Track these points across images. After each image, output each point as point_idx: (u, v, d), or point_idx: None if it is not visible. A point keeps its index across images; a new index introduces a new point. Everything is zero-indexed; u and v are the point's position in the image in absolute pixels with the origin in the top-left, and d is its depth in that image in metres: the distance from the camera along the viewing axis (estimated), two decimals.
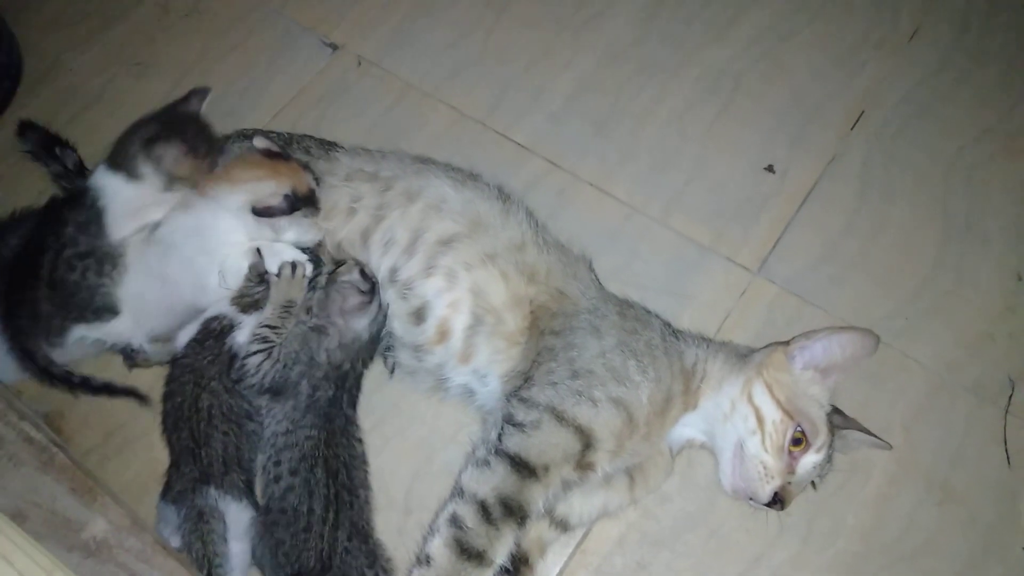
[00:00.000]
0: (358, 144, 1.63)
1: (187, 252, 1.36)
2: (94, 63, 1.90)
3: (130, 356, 1.45)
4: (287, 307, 1.36)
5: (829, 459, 1.29)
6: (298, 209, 1.34)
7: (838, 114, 1.79)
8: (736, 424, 1.29)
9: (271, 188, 1.33)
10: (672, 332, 1.37)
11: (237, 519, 1.27)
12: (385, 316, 1.38)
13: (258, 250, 1.37)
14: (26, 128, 1.61)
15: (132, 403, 1.46)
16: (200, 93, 1.45)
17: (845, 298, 1.58)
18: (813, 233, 1.65)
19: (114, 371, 1.46)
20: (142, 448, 1.42)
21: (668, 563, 1.37)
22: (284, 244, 1.39)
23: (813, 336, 1.32)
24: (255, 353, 1.31)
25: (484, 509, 1.13)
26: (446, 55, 1.88)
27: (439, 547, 1.12)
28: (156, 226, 1.38)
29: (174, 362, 1.37)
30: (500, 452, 1.17)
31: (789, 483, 1.26)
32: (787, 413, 1.26)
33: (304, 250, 1.41)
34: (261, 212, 1.33)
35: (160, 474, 1.32)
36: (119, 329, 1.40)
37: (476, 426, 1.44)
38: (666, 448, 1.33)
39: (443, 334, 1.34)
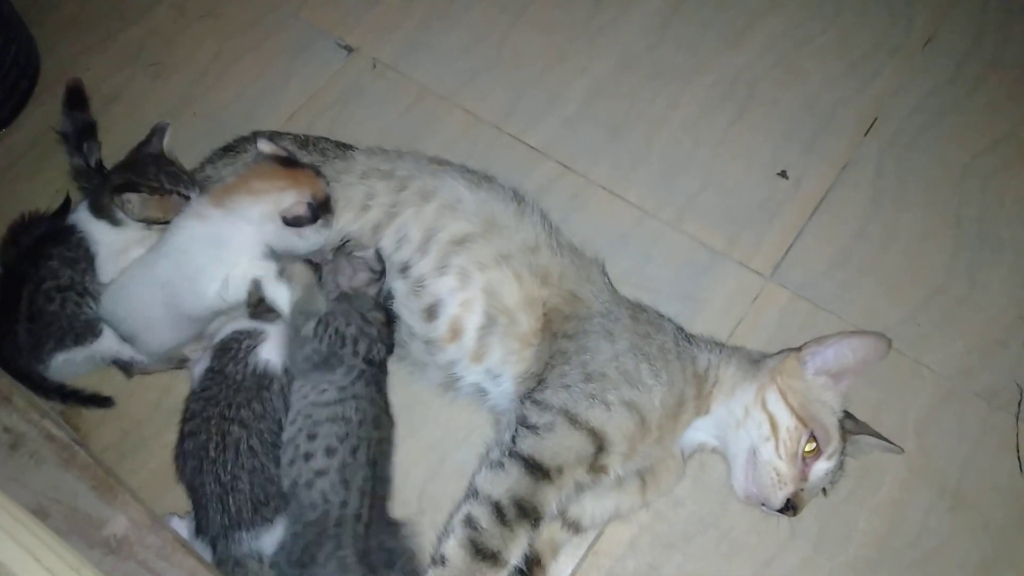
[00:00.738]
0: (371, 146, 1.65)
1: (200, 261, 1.34)
2: (111, 64, 1.91)
3: (125, 367, 1.46)
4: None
5: (841, 465, 1.30)
6: (320, 217, 1.35)
7: (851, 121, 1.79)
8: (749, 430, 1.29)
9: (294, 197, 1.33)
10: (685, 336, 1.38)
11: (274, 539, 1.26)
12: (388, 299, 1.37)
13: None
14: (74, 101, 1.60)
15: (148, 402, 1.48)
16: (159, 130, 1.47)
17: (857, 304, 1.58)
18: (826, 239, 1.66)
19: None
20: (158, 447, 1.43)
21: (680, 566, 1.38)
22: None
23: (825, 342, 1.33)
24: (302, 316, 1.30)
25: (498, 510, 1.14)
26: (461, 59, 1.89)
27: (454, 548, 1.13)
28: (163, 236, 1.40)
29: (193, 396, 1.33)
30: (514, 454, 1.18)
31: (802, 489, 1.27)
32: (801, 420, 1.27)
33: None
34: (292, 222, 1.33)
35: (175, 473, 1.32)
36: (103, 347, 1.42)
37: (488, 428, 1.45)
38: (678, 451, 1.34)
39: (455, 332, 1.35)
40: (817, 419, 1.28)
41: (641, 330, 1.32)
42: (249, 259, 1.35)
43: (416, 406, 1.50)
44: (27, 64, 1.83)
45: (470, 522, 1.14)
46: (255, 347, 1.32)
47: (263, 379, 1.30)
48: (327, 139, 1.59)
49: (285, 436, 1.28)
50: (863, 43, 1.89)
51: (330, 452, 1.22)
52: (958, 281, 1.61)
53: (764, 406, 1.29)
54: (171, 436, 1.36)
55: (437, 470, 1.45)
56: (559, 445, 1.19)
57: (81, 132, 1.60)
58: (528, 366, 1.31)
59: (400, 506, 1.41)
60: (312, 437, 1.23)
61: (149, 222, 1.41)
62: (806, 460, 1.26)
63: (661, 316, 1.40)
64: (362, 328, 1.31)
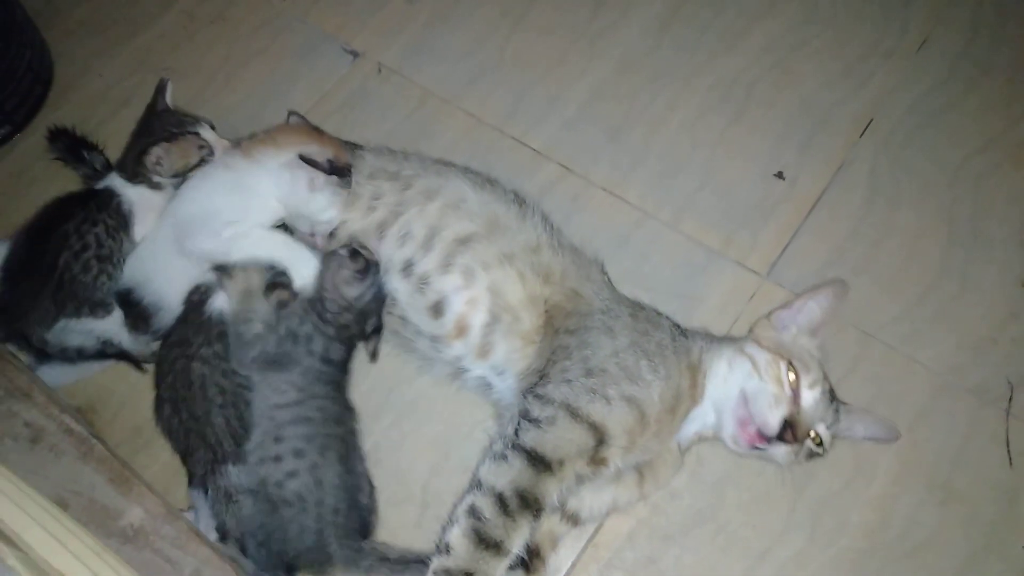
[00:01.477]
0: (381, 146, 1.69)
1: (217, 204, 1.41)
2: (122, 68, 1.95)
3: (136, 362, 1.51)
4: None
5: (833, 407, 1.34)
6: (335, 175, 1.40)
7: (847, 122, 1.83)
8: (735, 376, 1.35)
9: (316, 150, 1.40)
10: (680, 332, 1.42)
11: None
12: (380, 294, 1.40)
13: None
14: (55, 135, 1.67)
15: None
16: (161, 88, 1.55)
17: (851, 302, 1.60)
18: (821, 239, 1.69)
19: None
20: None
21: (677, 558, 1.42)
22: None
23: (792, 305, 1.43)
24: (244, 322, 1.34)
25: (501, 501, 1.18)
26: (464, 62, 1.93)
27: (458, 536, 1.17)
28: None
29: (161, 346, 1.41)
30: (517, 447, 1.22)
31: (796, 413, 1.30)
32: (776, 354, 1.34)
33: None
34: (306, 160, 1.38)
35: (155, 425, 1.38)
36: (108, 326, 1.46)
37: (492, 422, 1.49)
38: (675, 445, 1.38)
39: (461, 329, 1.39)
40: (793, 353, 1.35)
41: (640, 327, 1.36)
42: (268, 215, 1.43)
43: (420, 401, 1.54)
44: (41, 69, 1.88)
45: (474, 512, 1.18)
46: (208, 298, 1.39)
47: (220, 324, 1.36)
48: (337, 139, 1.63)
49: (252, 440, 1.31)
50: (859, 46, 1.92)
51: (298, 454, 1.26)
52: (950, 279, 1.65)
53: (742, 351, 1.37)
54: None
55: (441, 464, 1.49)
56: (561, 438, 1.22)
57: (73, 148, 1.66)
58: (531, 362, 1.35)
59: (405, 500, 1.46)
60: (279, 440, 1.27)
61: (182, 171, 1.47)
62: (792, 387, 1.32)
63: (659, 314, 1.44)
64: (318, 327, 1.35)
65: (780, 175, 1.76)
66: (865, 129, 1.82)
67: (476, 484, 1.21)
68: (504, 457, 1.22)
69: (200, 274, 1.42)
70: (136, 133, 1.53)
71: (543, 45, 1.95)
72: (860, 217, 1.72)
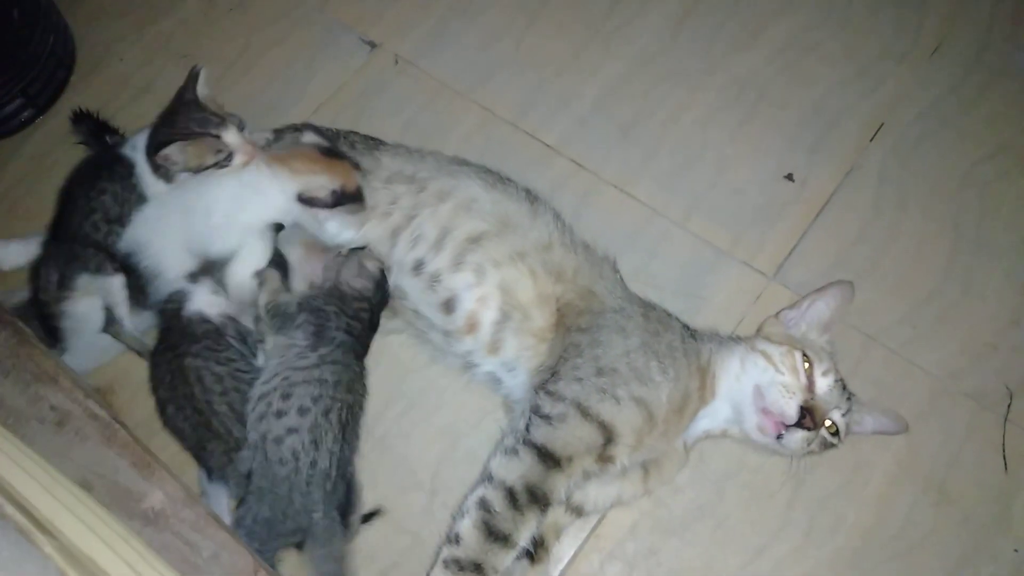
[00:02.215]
0: (396, 141, 1.71)
1: (227, 194, 1.46)
2: (143, 54, 1.98)
3: (114, 328, 1.51)
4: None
5: (847, 395, 1.38)
6: (342, 204, 1.44)
7: (857, 126, 1.85)
8: (748, 373, 1.39)
9: (322, 182, 1.43)
10: (690, 333, 1.45)
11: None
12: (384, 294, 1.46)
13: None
14: (79, 118, 1.71)
15: None
16: (194, 76, 1.54)
17: (856, 305, 1.61)
18: (829, 241, 1.72)
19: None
20: None
21: (677, 551, 1.46)
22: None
23: (799, 305, 1.48)
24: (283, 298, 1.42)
25: (511, 495, 1.22)
26: (480, 57, 1.95)
27: (468, 528, 1.21)
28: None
29: (152, 356, 1.44)
30: (528, 442, 1.26)
31: (812, 399, 1.34)
32: (789, 345, 1.38)
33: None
34: (305, 201, 1.44)
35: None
36: (113, 286, 1.47)
37: (501, 415, 1.53)
38: (681, 443, 1.41)
39: (472, 326, 1.42)
40: (803, 343, 1.40)
41: (651, 328, 1.39)
42: (261, 220, 1.47)
43: (430, 391, 1.58)
44: (64, 53, 1.90)
45: (484, 505, 1.22)
46: (183, 303, 1.42)
47: (204, 323, 1.40)
48: (356, 133, 1.66)
49: (256, 392, 1.33)
50: (871, 50, 1.93)
51: (303, 411, 1.29)
52: (953, 285, 1.67)
53: (755, 348, 1.41)
54: None
55: (449, 454, 1.53)
56: (570, 435, 1.26)
57: (95, 131, 1.69)
58: (542, 360, 1.38)
59: (413, 488, 1.50)
60: (286, 396, 1.30)
61: (197, 170, 1.48)
62: (807, 375, 1.36)
63: (669, 315, 1.47)
64: (341, 308, 1.41)
65: (790, 177, 1.79)
66: (876, 133, 1.84)
67: (487, 477, 1.25)
68: (515, 452, 1.26)
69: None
70: (161, 117, 1.54)
71: (558, 41, 1.97)
72: (868, 221, 1.74)
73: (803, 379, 1.35)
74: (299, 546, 1.30)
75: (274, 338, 1.41)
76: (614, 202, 1.77)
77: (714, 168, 1.81)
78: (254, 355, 1.43)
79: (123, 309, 1.49)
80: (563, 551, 1.45)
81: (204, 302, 1.42)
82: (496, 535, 1.20)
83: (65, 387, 1.21)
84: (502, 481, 1.24)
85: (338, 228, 1.50)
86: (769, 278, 1.68)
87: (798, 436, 1.33)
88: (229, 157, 1.47)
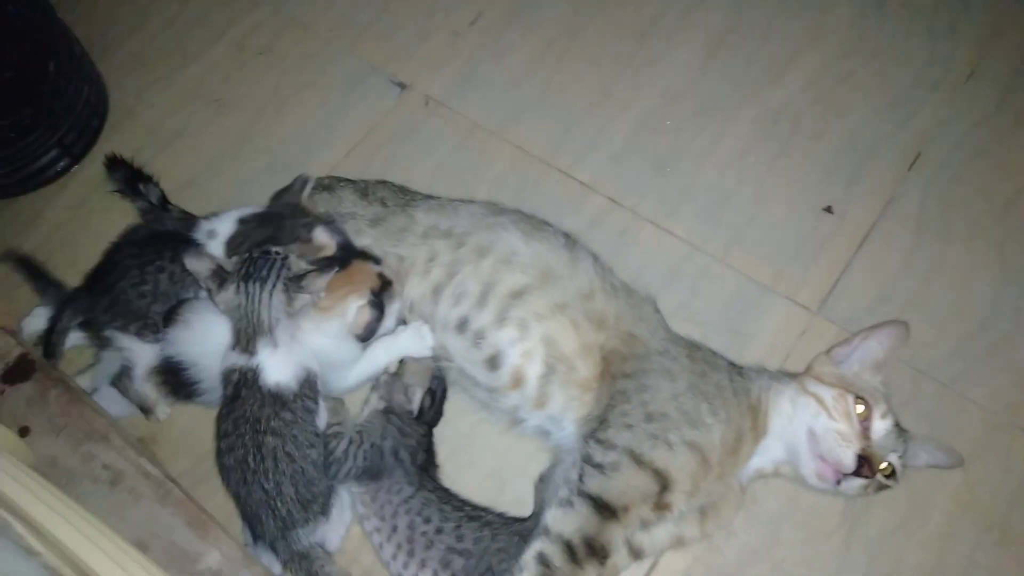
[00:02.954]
0: (429, 183, 1.71)
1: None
2: (174, 100, 1.99)
3: (124, 386, 1.49)
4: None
5: (902, 437, 1.35)
6: (383, 305, 1.41)
7: (895, 156, 1.83)
8: (800, 416, 1.36)
9: (355, 302, 1.39)
10: (737, 371, 1.43)
11: (335, 526, 1.37)
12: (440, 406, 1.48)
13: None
14: (113, 164, 1.72)
15: None
16: (302, 181, 1.53)
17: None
18: (872, 274, 1.70)
19: None
20: None
21: None
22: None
23: (850, 343, 1.43)
24: (334, 438, 1.39)
25: (569, 549, 1.20)
26: (510, 95, 1.95)
27: None
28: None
29: (222, 416, 1.37)
30: (583, 493, 1.24)
31: (869, 446, 1.31)
32: (842, 388, 1.35)
33: None
34: (366, 336, 1.41)
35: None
36: (142, 355, 1.46)
37: (545, 458, 1.51)
38: (737, 484, 1.39)
39: (517, 381, 1.40)
40: (858, 387, 1.36)
41: (698, 369, 1.37)
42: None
43: (475, 436, 1.56)
44: (97, 102, 1.92)
45: (543, 560, 1.20)
46: (256, 377, 1.33)
47: (281, 396, 1.34)
48: (386, 184, 1.65)
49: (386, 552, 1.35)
50: (905, 78, 1.93)
51: (440, 531, 1.33)
52: (1003, 316, 1.65)
53: (806, 391, 1.38)
54: None
55: (497, 500, 1.50)
56: (625, 484, 1.24)
57: (130, 180, 1.69)
58: (589, 409, 1.36)
59: None
60: (428, 520, 1.34)
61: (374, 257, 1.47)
62: (861, 421, 1.33)
63: (715, 353, 1.45)
64: (399, 440, 1.40)
65: (829, 209, 1.77)
66: (914, 162, 1.82)
67: (544, 531, 1.23)
68: (570, 503, 1.24)
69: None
70: (261, 217, 1.50)
71: (588, 77, 1.97)
72: (910, 252, 1.72)
73: (857, 425, 1.32)
74: None
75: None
76: (652, 239, 1.76)
77: (752, 202, 1.79)
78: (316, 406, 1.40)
79: (140, 372, 1.47)
80: None
81: (279, 372, 1.35)
82: None
83: (117, 445, 1.21)
84: (559, 534, 1.21)
85: (395, 321, 1.49)
86: (813, 313, 1.66)
87: (856, 484, 1.31)
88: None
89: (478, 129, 1.91)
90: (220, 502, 1.47)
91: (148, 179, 1.72)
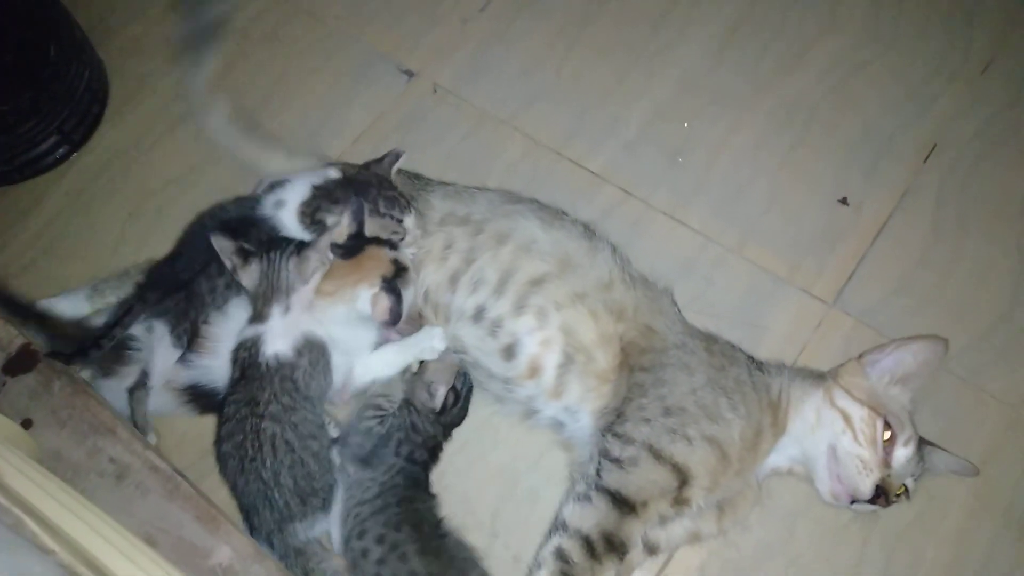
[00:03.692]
0: (439, 172, 1.68)
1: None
2: (177, 86, 1.94)
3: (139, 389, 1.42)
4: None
5: (920, 458, 1.33)
6: (399, 290, 1.36)
7: (911, 147, 1.81)
8: (824, 430, 1.34)
9: (366, 291, 1.36)
10: (757, 365, 1.41)
11: (336, 523, 1.33)
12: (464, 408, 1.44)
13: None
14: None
15: None
16: (394, 155, 1.52)
17: (920, 331, 1.56)
18: (888, 266, 1.68)
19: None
20: None
21: None
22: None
23: (884, 349, 1.39)
24: (370, 419, 1.37)
25: (588, 544, 1.17)
26: (520, 83, 1.91)
27: None
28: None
29: (225, 401, 1.35)
30: (600, 488, 1.22)
31: (888, 476, 1.30)
32: (872, 408, 1.32)
33: None
34: (394, 320, 1.35)
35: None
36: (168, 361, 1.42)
37: (558, 451, 1.48)
38: (755, 481, 1.37)
39: (534, 370, 1.38)
40: (887, 408, 1.33)
41: (716, 362, 1.35)
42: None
43: (486, 429, 1.53)
44: (98, 88, 1.87)
45: (561, 555, 1.17)
46: (258, 349, 1.32)
47: (282, 370, 1.31)
48: (400, 171, 1.62)
49: (335, 539, 1.33)
50: (921, 68, 1.90)
51: (380, 540, 1.27)
52: (1021, 309, 1.63)
53: (833, 404, 1.34)
54: None
55: (509, 493, 1.49)
56: (644, 479, 1.22)
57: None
58: (607, 402, 1.34)
59: (474, 528, 1.45)
60: (362, 535, 1.28)
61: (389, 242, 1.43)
62: (885, 447, 1.30)
63: (733, 347, 1.43)
64: (408, 435, 1.38)
65: (844, 201, 1.75)
66: (929, 154, 1.80)
67: (561, 526, 1.21)
68: (588, 498, 1.21)
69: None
70: (347, 180, 1.47)
71: (600, 66, 1.94)
72: (927, 245, 1.70)
73: (880, 452, 1.29)
74: None
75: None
76: (665, 230, 1.73)
77: (767, 193, 1.77)
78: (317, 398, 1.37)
79: (157, 381, 1.42)
80: None
81: (279, 340, 1.33)
82: None
83: (124, 438, 1.18)
84: (577, 530, 1.19)
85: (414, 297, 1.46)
86: (829, 305, 1.64)
87: (868, 508, 1.31)
88: (401, 240, 1.43)
89: (488, 118, 1.87)
90: (226, 496, 1.44)
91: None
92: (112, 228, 1.75)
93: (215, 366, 1.41)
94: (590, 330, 1.36)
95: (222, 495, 1.44)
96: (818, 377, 1.41)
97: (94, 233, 1.75)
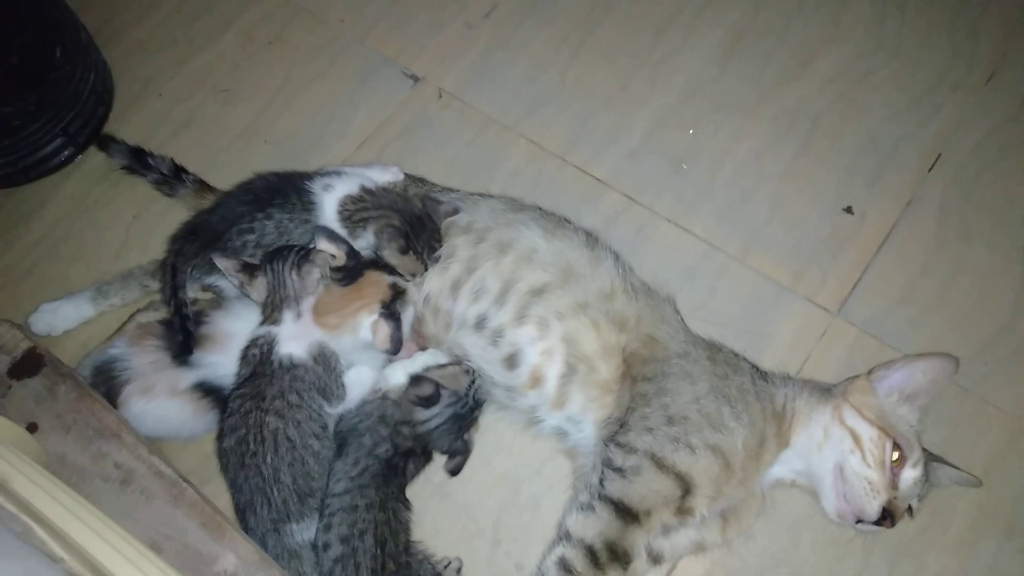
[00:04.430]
0: (443, 178, 1.68)
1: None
2: (182, 89, 1.95)
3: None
4: None
5: (926, 478, 1.33)
6: (397, 314, 1.36)
7: (915, 156, 1.81)
8: (832, 448, 1.33)
9: (367, 318, 1.35)
10: (761, 375, 1.41)
11: None
12: (448, 428, 1.40)
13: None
14: (106, 143, 1.70)
15: None
16: (452, 211, 1.49)
17: (924, 342, 1.60)
18: (892, 275, 1.68)
19: None
20: None
21: None
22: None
23: (893, 365, 1.38)
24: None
25: (592, 553, 1.17)
26: (525, 89, 1.91)
27: None
28: None
29: (231, 395, 1.35)
30: (603, 497, 1.22)
31: (895, 498, 1.29)
32: (882, 429, 1.31)
33: None
34: (396, 349, 1.35)
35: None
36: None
37: (561, 459, 1.48)
38: (759, 490, 1.37)
39: (536, 380, 1.38)
40: (896, 428, 1.32)
41: (719, 371, 1.35)
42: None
43: (488, 435, 1.53)
44: (103, 91, 1.87)
45: (564, 565, 1.18)
46: (271, 348, 1.33)
47: (293, 370, 1.32)
48: (406, 175, 1.62)
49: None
50: (925, 77, 1.90)
51: (344, 540, 1.27)
52: None
53: (843, 422, 1.34)
54: None
55: (511, 500, 1.49)
56: (647, 488, 1.22)
57: (135, 155, 1.68)
58: (609, 412, 1.34)
59: (475, 535, 1.46)
60: (328, 528, 1.29)
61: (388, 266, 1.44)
62: (893, 469, 1.30)
63: (736, 355, 1.42)
64: (375, 427, 1.37)
65: (849, 210, 1.75)
66: (934, 164, 1.80)
67: (564, 535, 1.21)
68: (591, 508, 1.22)
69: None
70: (396, 204, 1.47)
71: (605, 71, 1.94)
72: (931, 254, 1.70)
73: (888, 474, 1.29)
74: None
75: None
76: (669, 237, 1.73)
77: (771, 201, 1.77)
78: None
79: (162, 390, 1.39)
80: None
81: (294, 343, 1.34)
82: None
83: (128, 443, 1.18)
84: (581, 539, 1.19)
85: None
86: (833, 314, 1.64)
87: (873, 528, 1.31)
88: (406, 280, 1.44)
89: (492, 123, 1.88)
90: (227, 501, 1.44)
91: (148, 153, 1.70)
92: (116, 230, 1.75)
93: (223, 362, 1.41)
94: (592, 340, 1.36)
95: (225, 500, 1.44)
96: (825, 392, 1.40)
97: (98, 235, 1.75)
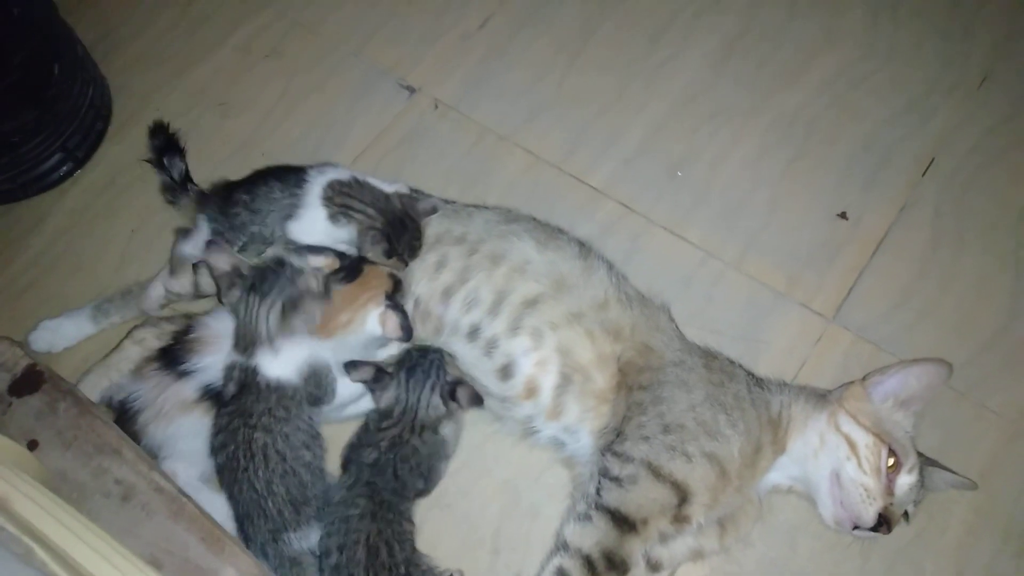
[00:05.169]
0: (440, 188, 1.69)
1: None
2: (180, 103, 1.96)
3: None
4: None
5: (922, 483, 1.34)
6: (400, 305, 1.38)
7: (909, 161, 1.82)
8: (828, 455, 1.34)
9: (374, 310, 1.36)
10: (756, 382, 1.42)
11: None
12: (426, 376, 1.40)
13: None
14: (154, 130, 1.70)
15: None
16: (432, 211, 1.51)
17: (919, 347, 1.60)
18: (887, 280, 1.69)
19: None
20: None
21: None
22: None
23: (887, 371, 1.39)
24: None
25: (589, 563, 1.18)
26: (521, 99, 1.93)
27: None
28: None
29: (218, 412, 1.35)
30: (600, 507, 1.22)
31: (891, 504, 1.30)
32: (877, 436, 1.32)
33: None
34: (408, 336, 1.35)
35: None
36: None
37: (560, 467, 1.49)
38: (756, 497, 1.38)
39: (531, 391, 1.38)
40: (892, 435, 1.33)
41: (715, 379, 1.36)
42: None
43: (488, 444, 1.54)
44: (101, 106, 1.89)
45: (562, 575, 1.18)
46: (255, 374, 1.32)
47: (280, 390, 1.32)
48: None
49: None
50: (919, 82, 1.91)
51: (341, 549, 1.28)
52: (1019, 323, 1.63)
53: (838, 429, 1.34)
54: None
55: (511, 509, 1.49)
56: (643, 497, 1.23)
57: (162, 149, 1.67)
58: (606, 421, 1.35)
59: (476, 545, 1.46)
60: (329, 535, 1.29)
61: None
62: (888, 475, 1.30)
63: (732, 362, 1.43)
64: (360, 436, 1.40)
65: (844, 215, 1.76)
66: (928, 168, 1.81)
67: (562, 546, 1.22)
68: (588, 517, 1.22)
69: None
70: (389, 213, 1.48)
71: (600, 81, 1.95)
72: (926, 259, 1.71)
73: (884, 480, 1.30)
74: None
75: None
76: (665, 245, 1.74)
77: (766, 207, 1.78)
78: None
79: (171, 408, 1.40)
80: None
81: (278, 368, 1.33)
82: None
83: (129, 459, 1.19)
84: (578, 549, 1.20)
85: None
86: (829, 320, 1.65)
87: (870, 534, 1.31)
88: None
89: (488, 133, 1.89)
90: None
91: (175, 151, 1.68)
92: (116, 246, 1.76)
93: (220, 362, 1.40)
94: (587, 350, 1.36)
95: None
96: (821, 398, 1.41)
97: (98, 251, 1.76)
